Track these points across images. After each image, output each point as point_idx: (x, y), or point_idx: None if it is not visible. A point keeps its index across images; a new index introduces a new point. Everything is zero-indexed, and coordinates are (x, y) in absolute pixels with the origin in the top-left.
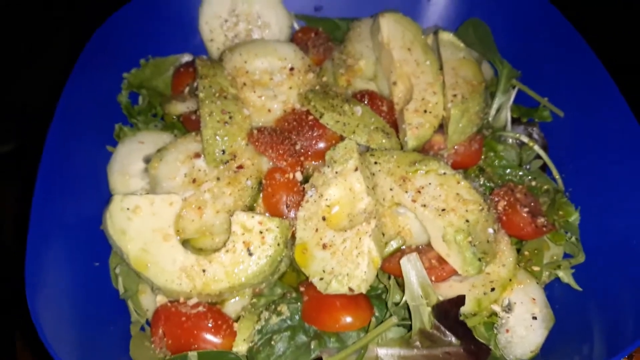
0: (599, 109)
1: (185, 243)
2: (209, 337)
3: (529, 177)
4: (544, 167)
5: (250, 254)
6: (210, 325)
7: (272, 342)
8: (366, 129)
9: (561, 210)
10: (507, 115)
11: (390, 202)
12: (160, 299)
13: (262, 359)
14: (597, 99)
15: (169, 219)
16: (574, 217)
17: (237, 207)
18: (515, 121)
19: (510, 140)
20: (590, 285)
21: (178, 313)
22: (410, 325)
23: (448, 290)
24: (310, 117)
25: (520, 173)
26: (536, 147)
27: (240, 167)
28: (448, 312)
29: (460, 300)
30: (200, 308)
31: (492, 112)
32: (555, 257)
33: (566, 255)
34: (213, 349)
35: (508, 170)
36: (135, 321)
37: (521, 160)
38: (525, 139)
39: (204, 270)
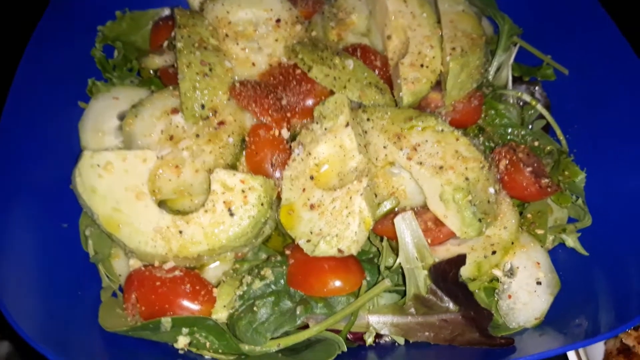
0: (607, 65)
1: (161, 204)
2: (185, 303)
3: (532, 137)
4: (547, 128)
5: (232, 215)
6: (187, 290)
7: (255, 308)
8: (358, 84)
9: (567, 171)
10: (507, 73)
11: (383, 162)
12: (134, 263)
13: (244, 326)
14: (604, 54)
15: (142, 176)
16: (580, 178)
17: (217, 166)
18: (516, 80)
19: (511, 100)
20: (597, 250)
21: (152, 277)
22: (404, 291)
23: (445, 254)
24: (298, 71)
25: (523, 132)
26: (539, 107)
27: (221, 123)
28: (446, 273)
29: (460, 260)
30: (177, 272)
31: (492, 70)
32: (558, 221)
33: (570, 220)
34: (189, 315)
35: (509, 130)
36: (107, 287)
37: (523, 121)
38: (527, 98)
39: (180, 232)
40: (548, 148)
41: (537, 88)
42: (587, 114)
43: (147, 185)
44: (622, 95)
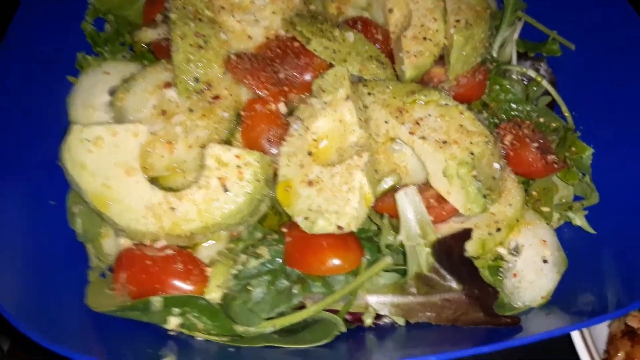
0: (615, 40)
1: (153, 182)
2: (177, 283)
3: (537, 114)
4: (552, 105)
5: (226, 191)
6: (179, 269)
7: (250, 288)
8: (359, 58)
9: (573, 147)
10: (512, 49)
11: (384, 138)
12: (124, 242)
13: (238, 306)
14: (612, 28)
15: (133, 151)
16: (587, 154)
17: (212, 142)
18: (521, 56)
19: (515, 76)
20: (604, 229)
21: (143, 256)
22: (405, 271)
23: (448, 231)
24: (296, 44)
25: (528, 109)
26: (544, 83)
27: (216, 97)
28: (451, 249)
29: (465, 234)
30: (169, 251)
31: (496, 46)
32: (564, 200)
33: (576, 198)
34: (181, 294)
35: (514, 106)
36: (95, 266)
37: (527, 97)
38: (532, 74)
39: (173, 209)
40: (553, 125)
41: (542, 64)
42: (594, 90)
43: (139, 161)
44: (631, 71)
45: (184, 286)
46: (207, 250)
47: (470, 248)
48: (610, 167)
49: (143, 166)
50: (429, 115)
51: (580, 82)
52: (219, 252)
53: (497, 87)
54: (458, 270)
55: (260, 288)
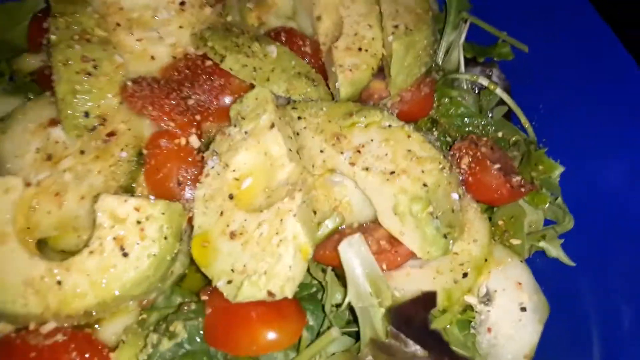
0: (572, 38)
1: (41, 245)
2: None
3: (494, 127)
4: (509, 115)
5: (125, 255)
6: None
7: None
8: (284, 75)
9: (540, 165)
10: (459, 55)
11: (321, 169)
12: (2, 327)
13: None
14: (568, 26)
15: (5, 212)
16: (557, 173)
17: (108, 190)
18: (469, 62)
19: (465, 85)
20: (582, 258)
21: (25, 346)
22: (358, 333)
23: (405, 280)
24: (209, 63)
25: (483, 122)
26: (498, 91)
27: (111, 134)
28: (411, 318)
29: (428, 299)
30: (59, 336)
31: (441, 52)
32: (533, 226)
33: (547, 222)
34: None
35: (467, 120)
36: None
37: (481, 109)
38: (484, 82)
39: (59, 282)
40: (513, 139)
41: (494, 70)
42: (553, 93)
43: (17, 222)
44: (592, 68)
45: None
46: (112, 326)
47: None
48: (581, 184)
49: (25, 226)
50: (371, 140)
51: (538, 88)
52: (126, 328)
53: (446, 99)
54: (422, 339)
55: None
